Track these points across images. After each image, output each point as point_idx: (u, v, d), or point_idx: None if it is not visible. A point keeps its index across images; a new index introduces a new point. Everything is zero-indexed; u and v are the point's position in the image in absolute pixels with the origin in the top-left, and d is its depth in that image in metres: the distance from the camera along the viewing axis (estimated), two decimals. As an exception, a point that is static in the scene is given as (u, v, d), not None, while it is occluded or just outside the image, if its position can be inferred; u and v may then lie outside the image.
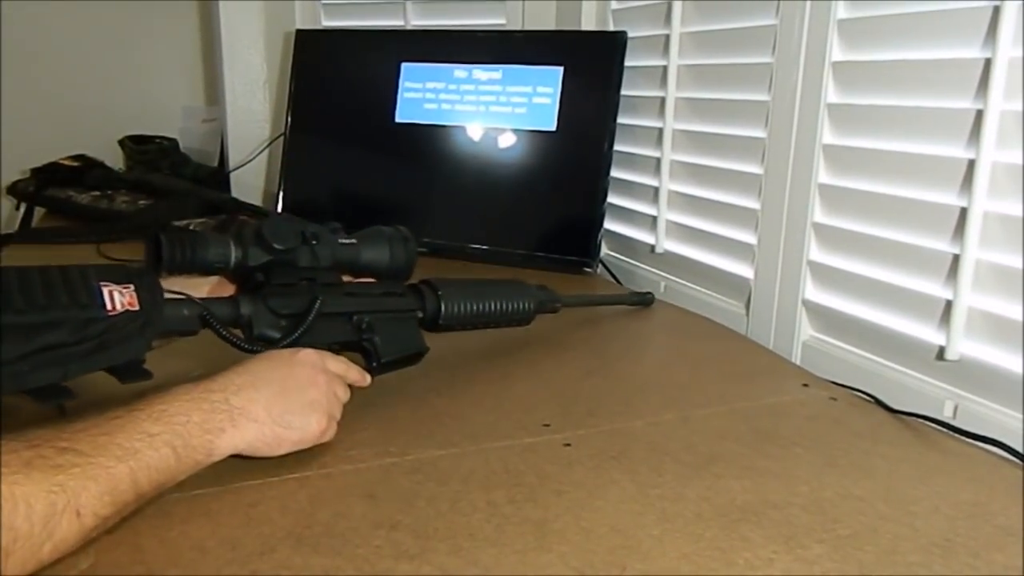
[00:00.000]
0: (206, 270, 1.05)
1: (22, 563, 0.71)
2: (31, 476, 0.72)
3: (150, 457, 0.82)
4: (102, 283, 0.89)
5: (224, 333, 1.02)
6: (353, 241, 1.15)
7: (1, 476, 0.70)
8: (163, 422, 0.85)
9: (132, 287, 0.91)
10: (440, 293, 1.23)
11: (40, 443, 0.75)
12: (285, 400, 0.97)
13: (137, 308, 0.91)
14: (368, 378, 1.12)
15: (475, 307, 1.27)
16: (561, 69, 1.98)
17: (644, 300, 1.71)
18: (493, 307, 1.29)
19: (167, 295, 0.97)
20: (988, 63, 1.10)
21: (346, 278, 1.17)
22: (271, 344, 1.06)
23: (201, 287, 1.09)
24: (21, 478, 0.71)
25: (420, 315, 1.22)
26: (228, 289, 1.12)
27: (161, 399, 0.87)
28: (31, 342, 0.83)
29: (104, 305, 0.88)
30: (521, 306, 1.33)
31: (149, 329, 0.92)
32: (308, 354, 1.03)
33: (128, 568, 0.77)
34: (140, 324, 0.91)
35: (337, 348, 1.12)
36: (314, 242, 1.10)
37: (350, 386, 1.08)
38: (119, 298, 0.89)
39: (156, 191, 2.44)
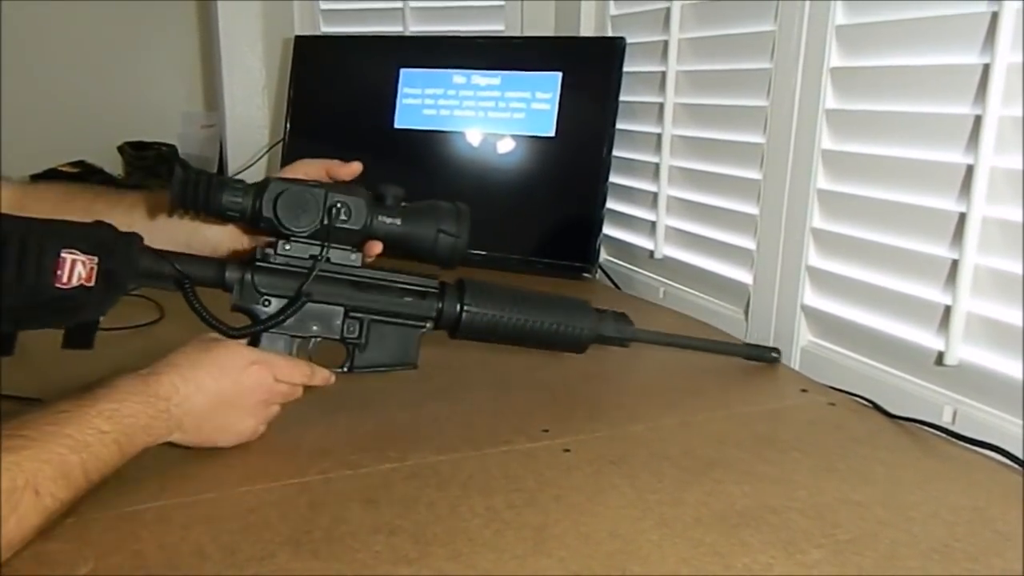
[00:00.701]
0: (220, 215, 1.03)
1: None
2: None
3: (100, 452, 0.85)
4: (66, 250, 0.91)
5: (196, 305, 1.01)
6: (396, 222, 1.06)
7: None
8: (115, 421, 0.88)
9: (96, 260, 0.92)
10: (465, 304, 1.12)
11: None
12: (217, 418, 1.00)
13: (92, 284, 0.92)
14: (332, 379, 1.09)
15: (507, 322, 1.14)
16: (560, 75, 1.98)
17: (763, 356, 1.42)
18: (531, 326, 1.15)
19: (149, 250, 0.98)
20: (986, 68, 1.10)
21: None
22: (252, 317, 1.05)
23: None
24: None
25: (427, 326, 1.13)
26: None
27: (110, 397, 0.90)
28: None
29: (60, 278, 0.90)
30: (570, 331, 1.17)
31: (105, 304, 0.94)
32: (256, 374, 1.02)
33: (128, 573, 0.77)
34: (93, 301, 0.93)
35: (318, 340, 1.09)
36: (343, 217, 1.03)
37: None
38: (79, 270, 0.91)
39: (155, 197, 2.44)
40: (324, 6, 2.57)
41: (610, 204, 1.98)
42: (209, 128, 2.99)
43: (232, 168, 2.72)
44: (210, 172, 1.04)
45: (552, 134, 1.98)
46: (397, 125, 2.17)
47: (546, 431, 1.11)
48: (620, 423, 1.15)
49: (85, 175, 2.58)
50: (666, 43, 1.79)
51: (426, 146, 2.13)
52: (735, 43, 1.63)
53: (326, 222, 1.03)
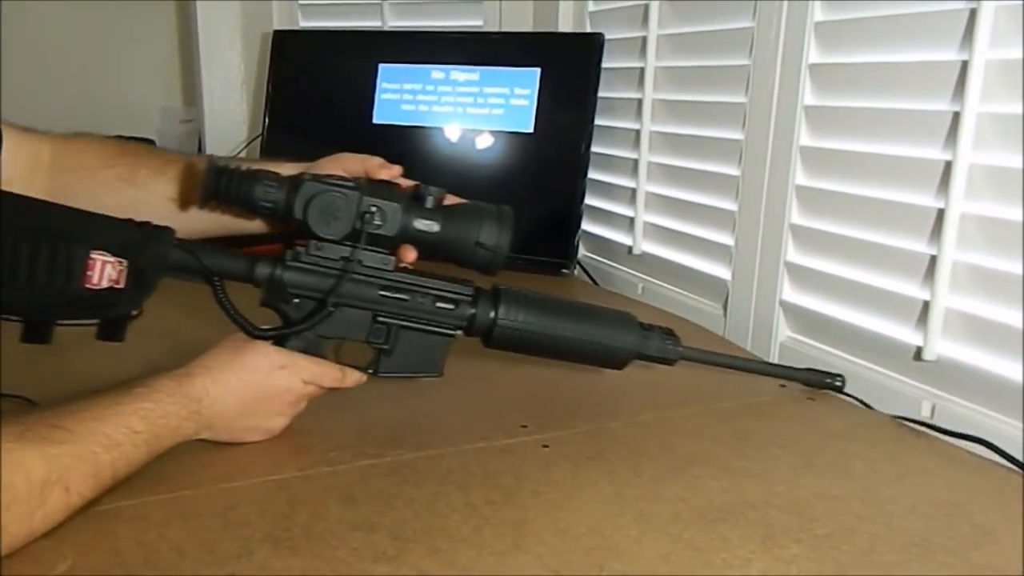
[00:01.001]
0: (252, 208, 1.01)
1: (17, 523, 0.76)
2: (24, 445, 0.77)
3: (130, 453, 0.86)
4: (96, 252, 0.90)
5: (224, 303, 1.01)
6: (433, 227, 1.03)
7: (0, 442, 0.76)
8: (148, 421, 0.89)
9: (125, 263, 0.92)
10: (500, 314, 1.08)
11: (32, 423, 0.80)
12: (245, 419, 1.01)
13: (121, 287, 0.92)
14: (364, 379, 1.09)
15: (543, 335, 1.09)
16: (538, 71, 1.98)
17: (824, 383, 1.27)
18: (569, 340, 1.10)
19: (180, 245, 0.98)
20: (965, 65, 1.11)
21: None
22: (280, 315, 1.05)
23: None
24: (15, 446, 0.76)
25: (458, 334, 1.10)
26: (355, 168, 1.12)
27: (146, 396, 0.91)
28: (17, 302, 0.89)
29: (90, 279, 0.90)
30: (611, 347, 1.12)
31: (137, 301, 0.94)
32: (285, 378, 1.02)
33: (106, 570, 0.77)
34: (124, 299, 0.93)
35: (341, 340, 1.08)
36: (377, 222, 1.01)
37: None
38: (108, 272, 0.91)
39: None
40: (303, 1, 2.56)
41: (589, 200, 1.98)
42: (188, 123, 2.98)
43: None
44: (242, 163, 1.02)
45: (531, 130, 1.98)
46: (375, 120, 2.16)
47: (524, 427, 1.11)
48: (598, 419, 1.15)
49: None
50: (644, 39, 1.78)
51: (405, 141, 2.12)
52: (714, 39, 1.63)
53: (358, 227, 1.00)
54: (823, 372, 1.28)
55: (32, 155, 1.15)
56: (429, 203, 1.04)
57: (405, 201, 1.03)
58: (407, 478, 0.96)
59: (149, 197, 1.13)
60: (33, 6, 2.83)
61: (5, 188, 0.98)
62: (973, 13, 1.10)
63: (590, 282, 1.98)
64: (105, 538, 0.81)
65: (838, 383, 1.27)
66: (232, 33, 2.70)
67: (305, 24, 2.57)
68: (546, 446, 1.06)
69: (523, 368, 1.28)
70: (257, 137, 2.44)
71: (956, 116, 1.12)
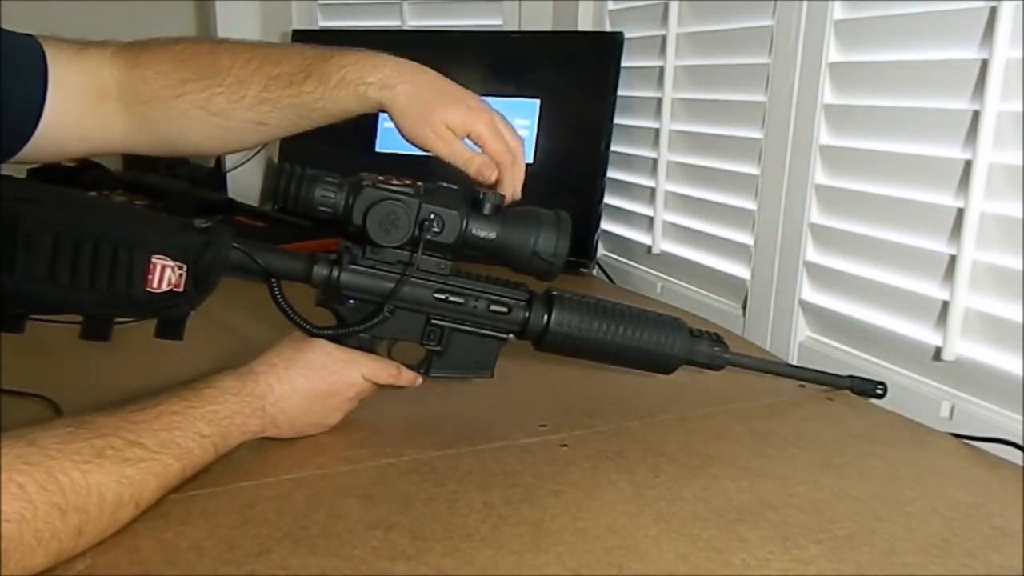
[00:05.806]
0: (312, 210, 1.01)
1: (88, 543, 0.78)
2: (103, 466, 0.78)
3: (199, 457, 0.89)
4: (156, 256, 0.93)
5: (281, 303, 1.02)
6: (490, 235, 1.04)
7: (76, 464, 0.76)
8: (214, 424, 0.91)
9: (185, 267, 0.94)
10: (553, 318, 1.09)
11: (108, 432, 0.81)
12: (309, 415, 1.03)
13: (181, 291, 0.94)
14: (419, 381, 1.11)
15: (595, 339, 1.10)
16: (537, 103, 2.01)
17: (867, 390, 1.27)
18: (620, 345, 1.11)
19: (238, 247, 0.99)
20: (985, 64, 1.10)
21: None
22: (336, 315, 1.06)
23: None
24: (94, 467, 0.77)
25: (509, 337, 1.11)
26: None
27: (212, 397, 0.93)
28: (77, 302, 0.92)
29: (150, 282, 0.92)
30: (660, 352, 1.13)
31: (196, 302, 0.96)
32: (347, 374, 1.04)
33: (125, 569, 0.77)
34: (183, 301, 0.95)
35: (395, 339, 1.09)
36: (435, 230, 1.02)
37: None
38: (168, 276, 0.93)
39: (153, 191, 2.43)
40: (322, 0, 2.57)
41: (608, 199, 1.98)
42: (207, 122, 2.98)
43: (230, 162, 2.71)
44: (304, 166, 1.02)
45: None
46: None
47: (544, 427, 1.11)
48: (617, 419, 1.15)
49: (82, 168, 2.57)
50: (664, 38, 1.78)
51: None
52: (733, 38, 1.63)
53: (416, 234, 1.01)
54: (866, 379, 1.27)
55: (93, 83, 1.12)
56: (487, 209, 1.05)
57: (464, 208, 1.04)
58: (426, 477, 0.96)
59: (233, 125, 1.11)
60: (51, 6, 2.84)
61: (76, 123, 1.06)
62: (993, 11, 1.09)
63: (608, 281, 1.97)
64: (124, 536, 0.81)
65: (879, 391, 1.26)
66: (251, 33, 2.69)
67: (324, 24, 2.57)
68: (565, 445, 1.06)
69: (542, 368, 1.28)
70: (275, 137, 2.45)
71: (976, 115, 1.12)
